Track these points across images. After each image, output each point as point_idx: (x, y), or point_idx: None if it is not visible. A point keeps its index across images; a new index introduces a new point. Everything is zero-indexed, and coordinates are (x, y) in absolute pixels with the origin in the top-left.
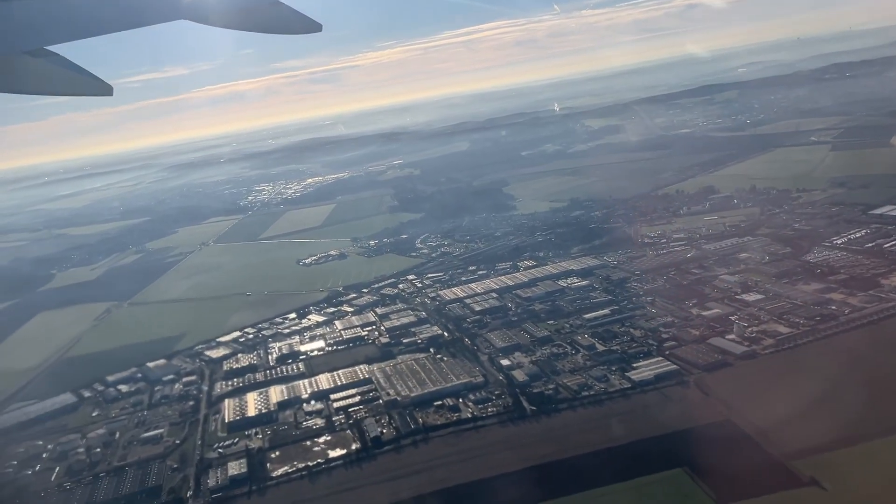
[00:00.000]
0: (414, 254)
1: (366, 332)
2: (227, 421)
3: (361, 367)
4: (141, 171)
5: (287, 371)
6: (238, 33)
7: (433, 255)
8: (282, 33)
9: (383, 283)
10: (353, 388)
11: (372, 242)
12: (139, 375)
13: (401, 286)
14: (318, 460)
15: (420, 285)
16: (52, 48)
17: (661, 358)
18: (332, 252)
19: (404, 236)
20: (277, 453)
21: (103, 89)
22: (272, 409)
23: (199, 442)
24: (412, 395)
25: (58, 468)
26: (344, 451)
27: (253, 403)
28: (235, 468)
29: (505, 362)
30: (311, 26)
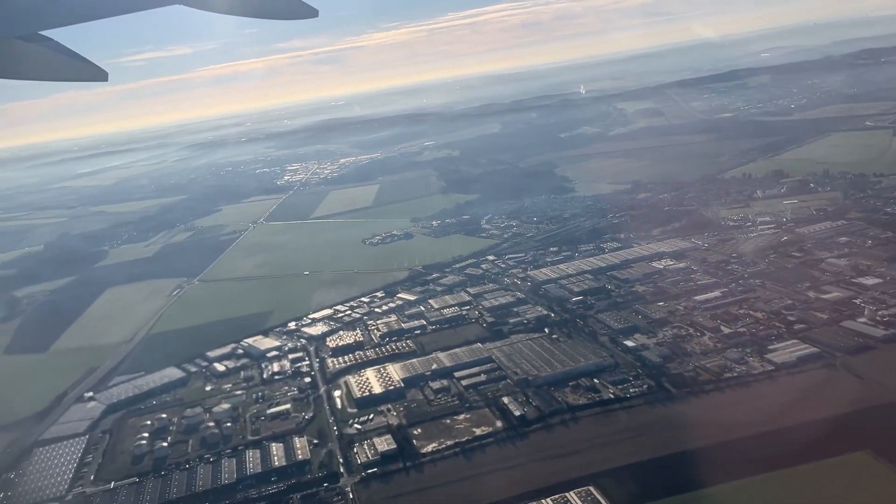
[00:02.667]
0: (483, 234)
1: (465, 311)
2: (354, 397)
3: (476, 345)
4: (159, 150)
5: (397, 349)
6: None
7: (505, 235)
8: (276, 18)
9: (464, 264)
10: (475, 366)
11: (434, 223)
12: (240, 351)
13: (483, 266)
14: (467, 437)
15: (503, 266)
16: (47, 33)
17: (796, 340)
18: (396, 232)
19: (466, 217)
20: (419, 430)
21: (98, 74)
22: (398, 385)
23: (332, 418)
24: (542, 374)
25: (191, 441)
26: (490, 429)
27: (376, 380)
28: (383, 444)
29: (629, 343)
30: (307, 11)
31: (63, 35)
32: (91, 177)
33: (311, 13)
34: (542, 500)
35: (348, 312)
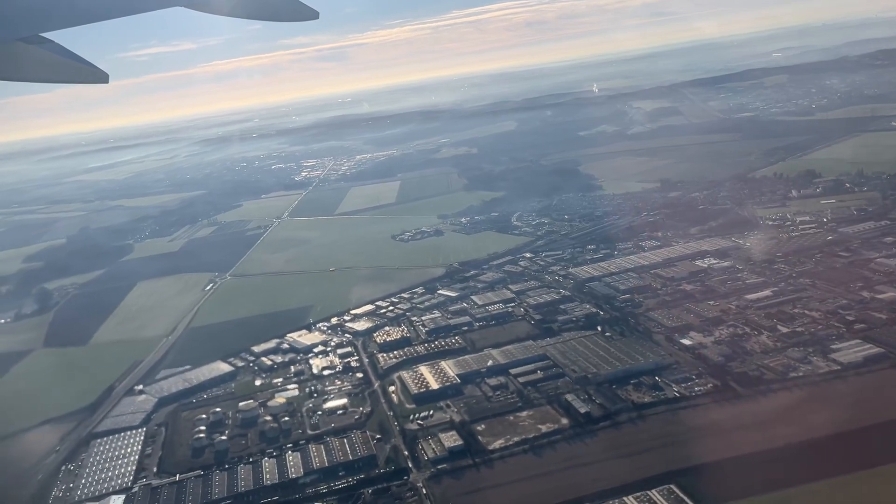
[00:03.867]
0: (516, 232)
1: (510, 309)
2: (411, 393)
3: (529, 342)
4: (169, 146)
5: (446, 345)
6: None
7: (538, 233)
8: (277, 20)
9: (502, 261)
10: (530, 363)
11: (463, 220)
12: (285, 346)
13: (521, 264)
14: (533, 434)
15: (542, 263)
16: (48, 34)
17: (859, 340)
18: (425, 228)
19: (495, 214)
20: (483, 426)
21: (99, 77)
22: (454, 382)
23: (391, 413)
24: (602, 372)
25: (249, 434)
26: (556, 426)
27: (431, 376)
28: (450, 440)
29: (686, 342)
30: (308, 13)
31: (66, 30)
32: (104, 171)
33: (312, 15)
34: (624, 498)
35: (390, 308)
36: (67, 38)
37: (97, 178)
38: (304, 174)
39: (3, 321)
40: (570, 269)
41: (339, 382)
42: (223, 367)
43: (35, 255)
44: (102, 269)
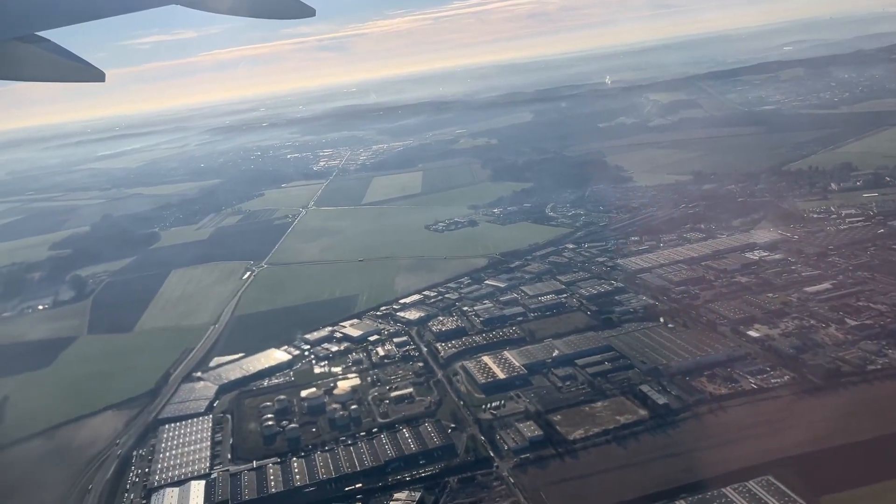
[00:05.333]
0: (553, 223)
1: (563, 299)
2: (479, 382)
3: (590, 333)
4: (178, 134)
5: (504, 335)
6: None
7: (576, 224)
8: (274, 18)
9: (544, 252)
10: (596, 354)
11: (496, 210)
12: (338, 335)
13: (565, 255)
14: (613, 425)
15: (586, 254)
16: (43, 33)
17: None
18: (458, 219)
19: (527, 205)
20: (559, 416)
21: (95, 76)
22: (521, 372)
23: (461, 402)
24: (672, 363)
25: (318, 422)
26: (635, 417)
27: (496, 366)
28: (529, 430)
29: (753, 334)
30: (304, 11)
31: (63, 31)
32: (114, 159)
33: (308, 12)
34: (723, 490)
35: (438, 298)
36: (64, 28)
37: (109, 165)
38: (321, 164)
39: (41, 308)
40: (618, 261)
41: (400, 371)
42: (279, 355)
43: (61, 242)
44: (132, 257)
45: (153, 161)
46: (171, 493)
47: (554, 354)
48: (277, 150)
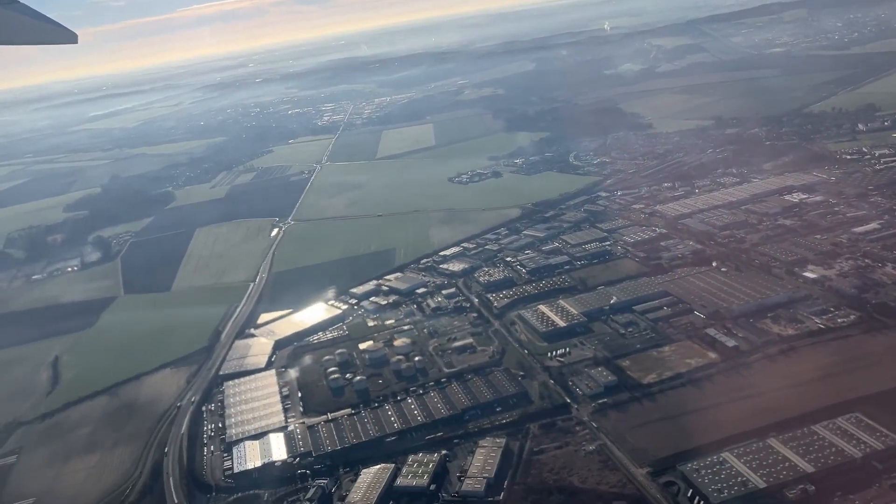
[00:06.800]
0: (579, 171)
1: (608, 247)
2: (539, 331)
3: (641, 280)
4: (169, 92)
5: (555, 284)
6: None
7: (604, 172)
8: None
9: (578, 201)
10: (654, 300)
11: (518, 160)
12: (385, 288)
13: (600, 203)
14: (685, 368)
15: (621, 202)
16: None
17: None
18: (481, 170)
19: (549, 154)
20: (628, 362)
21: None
22: (580, 319)
23: (525, 351)
24: (733, 307)
25: (384, 373)
26: (705, 361)
27: (554, 315)
28: (602, 376)
29: (809, 275)
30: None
31: None
32: (109, 119)
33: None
34: (813, 427)
35: (479, 249)
36: None
37: (105, 126)
38: (325, 119)
39: (70, 270)
40: (656, 207)
41: (456, 322)
42: (327, 310)
43: (74, 204)
44: (151, 217)
45: (149, 120)
46: (252, 446)
47: (612, 301)
48: (276, 105)
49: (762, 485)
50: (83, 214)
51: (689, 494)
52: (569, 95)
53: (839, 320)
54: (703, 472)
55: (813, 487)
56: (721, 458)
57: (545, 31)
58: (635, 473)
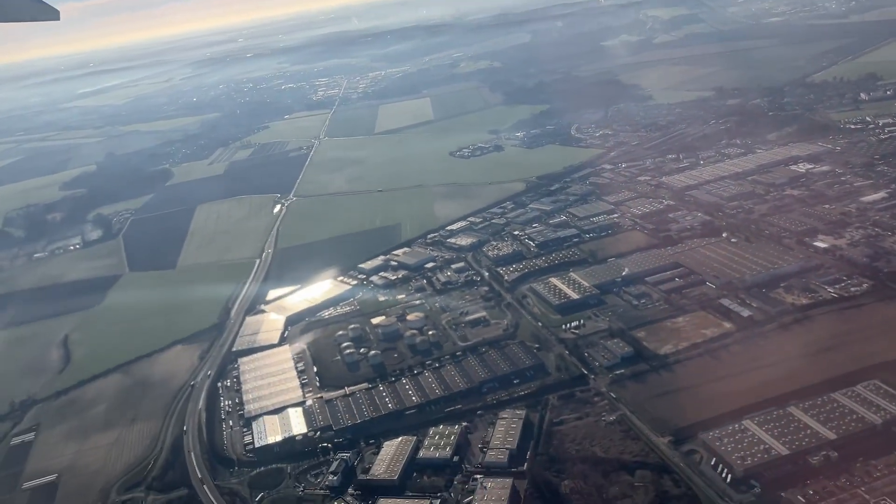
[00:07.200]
0: (581, 144)
1: (616, 219)
2: (553, 304)
3: (652, 251)
4: (158, 69)
5: (565, 257)
6: None
7: (606, 144)
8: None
9: (582, 174)
10: (665, 271)
11: (519, 134)
12: (393, 263)
13: (605, 175)
14: (701, 339)
15: (627, 174)
16: None
17: None
18: (482, 144)
19: (550, 127)
20: (643, 333)
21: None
22: (593, 292)
23: (539, 323)
24: (746, 277)
25: (398, 347)
26: (720, 331)
27: (566, 287)
28: (618, 347)
29: (820, 245)
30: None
31: None
32: (98, 96)
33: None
34: (832, 395)
35: (485, 223)
36: None
37: (95, 103)
38: (320, 93)
39: (72, 248)
40: (662, 179)
41: (467, 296)
42: (336, 285)
43: (71, 182)
44: (150, 195)
45: (140, 97)
46: (272, 421)
47: (623, 273)
48: (269, 80)
49: (785, 452)
50: (81, 192)
51: (711, 462)
52: (567, 67)
53: (852, 289)
54: (725, 440)
55: (836, 454)
56: (742, 427)
57: (538, 3)
58: (657, 442)
